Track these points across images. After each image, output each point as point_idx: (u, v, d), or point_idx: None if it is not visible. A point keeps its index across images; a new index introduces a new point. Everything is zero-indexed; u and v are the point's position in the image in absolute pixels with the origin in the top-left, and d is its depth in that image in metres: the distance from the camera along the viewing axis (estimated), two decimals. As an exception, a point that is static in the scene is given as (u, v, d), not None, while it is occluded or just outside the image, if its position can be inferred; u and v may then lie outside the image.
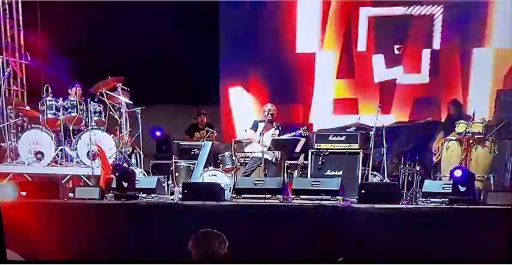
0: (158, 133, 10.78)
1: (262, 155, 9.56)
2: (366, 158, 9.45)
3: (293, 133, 9.83)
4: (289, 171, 10.11)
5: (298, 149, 9.97)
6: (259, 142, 9.80)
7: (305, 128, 9.98)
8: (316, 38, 12.39)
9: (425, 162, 9.91)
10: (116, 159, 9.86)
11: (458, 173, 7.49)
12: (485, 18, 11.57)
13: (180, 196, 8.31)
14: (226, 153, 10.41)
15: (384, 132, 9.59)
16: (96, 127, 10.10)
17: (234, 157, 10.29)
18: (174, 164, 10.06)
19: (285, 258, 7.01)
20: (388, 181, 9.35)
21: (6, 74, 10.80)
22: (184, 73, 11.92)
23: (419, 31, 11.93)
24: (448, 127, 9.85)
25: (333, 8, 12.23)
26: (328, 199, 7.77)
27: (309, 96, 12.42)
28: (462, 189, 7.39)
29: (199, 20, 11.92)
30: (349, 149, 9.48)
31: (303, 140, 9.87)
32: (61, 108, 10.15)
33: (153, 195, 8.27)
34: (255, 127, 10.10)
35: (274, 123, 10.10)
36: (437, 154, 9.48)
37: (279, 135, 9.96)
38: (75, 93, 10.32)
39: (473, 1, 11.56)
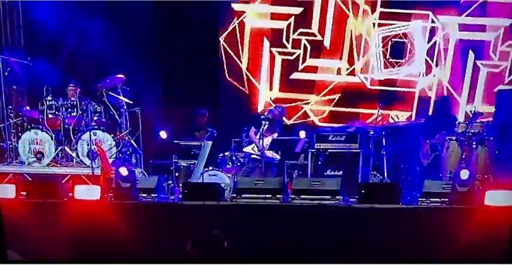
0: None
1: (262, 156, 9.58)
2: (366, 158, 9.46)
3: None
4: (289, 171, 10.11)
5: (298, 149, 9.99)
6: (258, 143, 9.85)
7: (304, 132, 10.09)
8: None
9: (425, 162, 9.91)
10: (116, 159, 9.87)
11: (465, 175, 7.47)
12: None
13: (180, 196, 8.31)
14: (226, 153, 10.42)
15: (384, 132, 9.61)
16: (96, 127, 10.11)
17: (234, 158, 10.30)
18: (174, 164, 10.06)
19: (285, 258, 7.00)
20: (388, 181, 9.36)
21: (6, 73, 10.80)
22: (184, 73, 11.92)
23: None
24: (427, 127, 9.86)
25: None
26: (328, 199, 7.76)
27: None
28: (462, 189, 7.39)
29: (199, 20, 11.92)
30: (349, 149, 9.48)
31: (303, 140, 9.89)
32: (61, 108, 10.16)
33: (153, 195, 8.27)
34: (257, 125, 10.11)
35: (276, 128, 10.18)
36: (429, 155, 9.51)
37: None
38: (75, 93, 10.34)
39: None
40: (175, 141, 10.98)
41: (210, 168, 9.94)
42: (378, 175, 9.60)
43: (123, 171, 8.14)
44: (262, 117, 10.32)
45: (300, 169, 10.09)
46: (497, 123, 9.53)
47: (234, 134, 10.67)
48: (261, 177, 9.24)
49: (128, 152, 10.20)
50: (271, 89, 12.17)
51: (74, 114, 10.19)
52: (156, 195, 8.26)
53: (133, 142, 10.31)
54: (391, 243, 7.04)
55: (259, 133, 9.93)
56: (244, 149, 10.20)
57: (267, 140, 9.99)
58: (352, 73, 11.99)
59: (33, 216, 7.68)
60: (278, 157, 10.01)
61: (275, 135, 10.22)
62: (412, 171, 9.88)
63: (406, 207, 7.58)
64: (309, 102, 12.07)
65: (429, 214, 7.33)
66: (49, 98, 10.26)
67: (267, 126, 9.91)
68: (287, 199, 7.88)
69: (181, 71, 11.95)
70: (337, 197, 7.75)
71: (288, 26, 12.12)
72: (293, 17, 12.08)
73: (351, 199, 7.91)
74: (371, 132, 9.70)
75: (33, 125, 10.37)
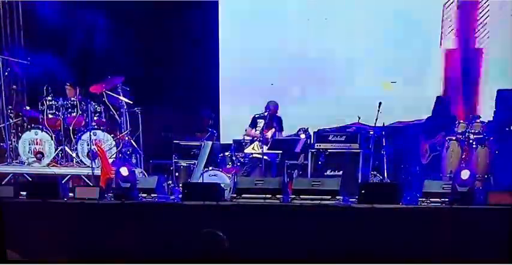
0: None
1: (262, 156, 9.59)
2: (366, 158, 9.46)
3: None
4: (289, 171, 10.11)
5: (298, 149, 9.98)
6: (258, 136, 9.92)
7: (305, 128, 10.08)
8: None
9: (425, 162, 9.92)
10: (116, 159, 9.87)
11: (465, 175, 7.45)
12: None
13: (180, 196, 8.31)
14: (227, 153, 10.42)
15: (383, 132, 9.61)
16: (96, 127, 10.12)
17: (234, 157, 10.30)
18: (174, 164, 10.06)
19: (285, 258, 7.00)
20: (388, 181, 9.36)
21: (6, 73, 10.81)
22: (184, 73, 11.92)
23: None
24: (427, 127, 9.86)
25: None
26: (328, 199, 7.76)
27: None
28: (462, 189, 7.39)
29: (199, 19, 11.93)
30: (349, 149, 9.48)
31: (303, 140, 9.89)
32: (61, 108, 10.18)
33: (153, 195, 8.27)
34: (253, 124, 10.21)
35: (274, 123, 10.21)
36: (427, 155, 9.51)
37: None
38: (74, 92, 10.35)
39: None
40: (175, 141, 10.99)
41: (210, 168, 9.93)
42: (378, 175, 9.60)
43: (124, 171, 8.14)
44: (256, 115, 10.39)
45: (300, 169, 10.08)
46: (497, 123, 9.53)
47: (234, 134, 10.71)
48: (261, 177, 9.23)
49: (128, 152, 10.20)
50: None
51: (74, 114, 10.20)
52: (156, 195, 8.26)
53: (133, 142, 10.31)
54: (391, 243, 7.04)
55: (258, 131, 10.02)
56: (245, 151, 10.19)
57: (267, 136, 10.02)
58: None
59: (33, 216, 7.68)
60: (280, 151, 10.01)
61: (272, 130, 10.24)
62: (412, 171, 9.89)
63: (406, 207, 7.58)
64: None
65: (429, 214, 7.33)
66: (49, 98, 10.27)
67: (263, 123, 10.00)
68: (287, 199, 7.88)
69: (182, 70, 11.94)
70: (337, 197, 7.74)
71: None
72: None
73: (351, 199, 7.91)
74: (371, 132, 9.70)
75: (33, 125, 10.38)
